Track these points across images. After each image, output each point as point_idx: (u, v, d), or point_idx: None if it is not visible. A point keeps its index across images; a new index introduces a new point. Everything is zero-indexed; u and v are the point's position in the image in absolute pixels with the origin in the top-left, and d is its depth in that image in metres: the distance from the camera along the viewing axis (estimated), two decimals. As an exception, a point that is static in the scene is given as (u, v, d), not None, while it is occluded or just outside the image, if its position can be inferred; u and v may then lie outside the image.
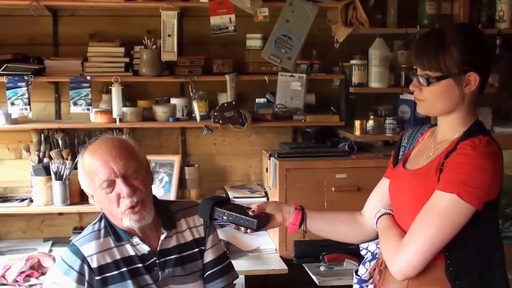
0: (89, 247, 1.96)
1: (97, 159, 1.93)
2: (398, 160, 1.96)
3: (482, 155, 1.68)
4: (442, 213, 1.67)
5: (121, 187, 1.92)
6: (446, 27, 1.82)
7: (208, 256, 2.13)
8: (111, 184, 1.92)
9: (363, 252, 2.08)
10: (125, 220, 1.94)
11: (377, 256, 2.01)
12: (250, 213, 1.91)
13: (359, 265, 2.11)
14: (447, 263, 1.73)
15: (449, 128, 1.81)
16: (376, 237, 1.96)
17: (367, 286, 2.03)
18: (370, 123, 3.33)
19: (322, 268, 3.06)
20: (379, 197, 1.98)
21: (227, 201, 2.02)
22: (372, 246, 2.05)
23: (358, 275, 2.04)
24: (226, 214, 1.91)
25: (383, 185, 1.98)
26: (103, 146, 1.97)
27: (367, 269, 2.03)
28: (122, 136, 2.17)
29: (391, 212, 1.90)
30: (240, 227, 1.92)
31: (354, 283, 2.06)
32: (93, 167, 1.94)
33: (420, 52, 1.78)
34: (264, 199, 3.28)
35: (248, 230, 1.91)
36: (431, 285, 1.75)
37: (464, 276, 1.74)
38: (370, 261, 2.03)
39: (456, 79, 1.74)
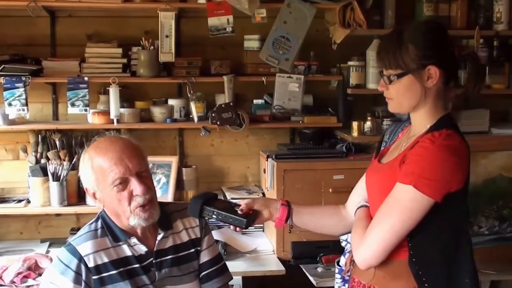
0: (85, 246, 1.96)
1: (111, 157, 1.94)
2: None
3: (439, 148, 1.73)
4: (401, 204, 1.73)
5: (135, 185, 1.94)
6: (405, 26, 1.87)
7: (204, 257, 2.13)
8: (125, 182, 1.94)
9: (343, 244, 2.14)
10: (133, 219, 1.96)
11: None
12: (239, 212, 1.94)
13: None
14: (410, 254, 1.78)
15: (418, 123, 1.87)
16: None
17: (347, 275, 2.09)
18: (368, 124, 3.34)
19: (319, 269, 3.06)
20: (360, 191, 2.05)
21: (215, 197, 2.04)
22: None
23: (339, 266, 2.11)
24: (215, 213, 1.94)
25: (364, 179, 2.05)
26: (116, 144, 1.98)
27: None
28: (124, 136, 2.16)
29: (367, 204, 1.96)
30: (230, 225, 1.96)
31: (336, 273, 2.14)
32: (105, 165, 1.94)
33: (381, 53, 1.86)
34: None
35: (237, 228, 1.96)
36: (396, 275, 1.81)
37: (427, 266, 1.78)
38: (350, 252, 2.09)
39: (415, 74, 1.80)
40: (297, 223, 2.03)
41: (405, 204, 1.73)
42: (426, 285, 1.77)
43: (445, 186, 1.73)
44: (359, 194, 2.04)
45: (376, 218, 1.80)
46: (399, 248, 1.78)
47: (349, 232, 2.07)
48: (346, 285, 2.07)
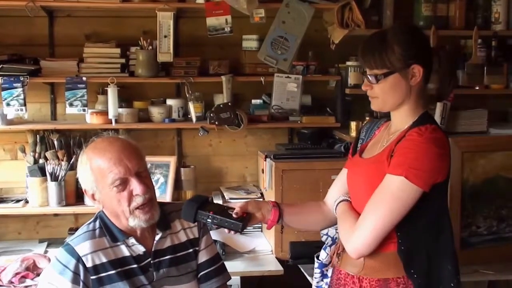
0: (84, 246, 1.95)
1: (109, 158, 1.94)
2: (357, 151, 2.10)
3: (427, 141, 1.82)
4: (392, 194, 1.81)
5: (135, 185, 1.94)
6: (387, 28, 1.98)
7: (203, 257, 2.13)
8: (124, 182, 1.94)
9: (323, 238, 2.20)
10: (132, 220, 1.96)
11: (336, 240, 2.12)
12: (234, 215, 1.96)
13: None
14: (399, 243, 1.87)
15: (400, 120, 1.95)
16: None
17: (327, 270, 2.14)
18: (366, 124, 3.34)
19: (317, 269, 3.06)
20: (339, 186, 2.13)
21: (208, 200, 2.04)
22: (332, 231, 2.17)
23: (319, 260, 2.16)
24: (210, 216, 1.95)
25: (343, 175, 2.12)
26: (115, 144, 1.98)
27: (327, 254, 2.14)
28: (122, 137, 2.15)
29: (348, 198, 2.04)
30: (224, 228, 1.97)
31: (315, 267, 2.18)
32: (105, 165, 1.94)
33: (366, 54, 1.94)
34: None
35: (232, 231, 1.97)
36: (385, 265, 1.89)
37: (413, 255, 1.86)
38: (330, 245, 2.15)
39: (401, 73, 1.89)
40: (287, 222, 2.11)
41: (396, 194, 1.80)
42: (412, 271, 1.85)
43: (432, 176, 1.81)
44: (338, 190, 2.11)
45: (367, 209, 1.86)
46: (387, 240, 1.86)
47: (330, 227, 2.15)
48: (325, 280, 2.14)
